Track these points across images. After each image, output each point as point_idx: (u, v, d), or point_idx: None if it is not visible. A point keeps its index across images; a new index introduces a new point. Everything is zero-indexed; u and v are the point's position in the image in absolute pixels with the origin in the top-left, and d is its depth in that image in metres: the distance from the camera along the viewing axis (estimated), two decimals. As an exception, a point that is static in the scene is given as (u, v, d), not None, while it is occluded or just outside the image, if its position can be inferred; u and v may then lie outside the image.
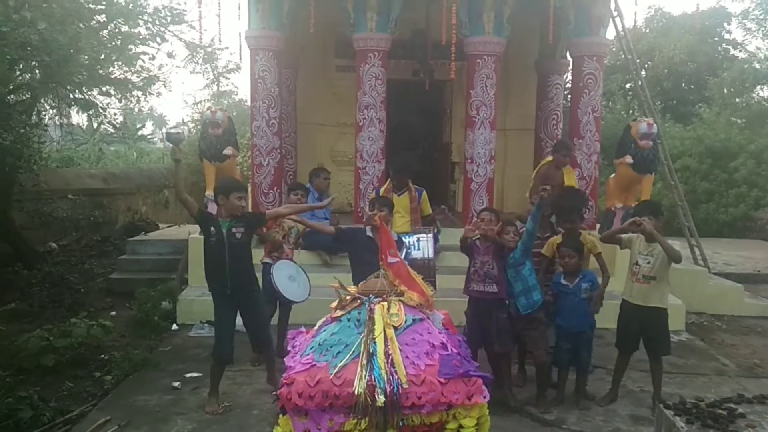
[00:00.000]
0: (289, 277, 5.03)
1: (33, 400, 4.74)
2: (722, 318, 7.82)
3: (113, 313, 7.38)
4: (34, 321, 6.80)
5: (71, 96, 9.93)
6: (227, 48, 23.06)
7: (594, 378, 5.32)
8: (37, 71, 8.99)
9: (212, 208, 7.78)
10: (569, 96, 10.54)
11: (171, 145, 4.74)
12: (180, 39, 12.23)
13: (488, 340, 4.92)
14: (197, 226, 9.70)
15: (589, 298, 5.01)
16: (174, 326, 6.84)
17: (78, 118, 15.48)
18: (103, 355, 5.88)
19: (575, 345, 4.96)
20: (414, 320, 3.18)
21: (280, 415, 2.98)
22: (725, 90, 18.79)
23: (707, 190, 14.96)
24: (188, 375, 5.45)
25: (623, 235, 5.05)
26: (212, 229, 4.66)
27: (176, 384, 5.25)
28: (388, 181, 6.43)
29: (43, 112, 10.58)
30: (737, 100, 18.71)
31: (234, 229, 4.68)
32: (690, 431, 3.31)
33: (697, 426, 3.37)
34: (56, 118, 11.33)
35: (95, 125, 16.29)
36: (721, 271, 9.62)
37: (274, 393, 3.32)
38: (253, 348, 5.06)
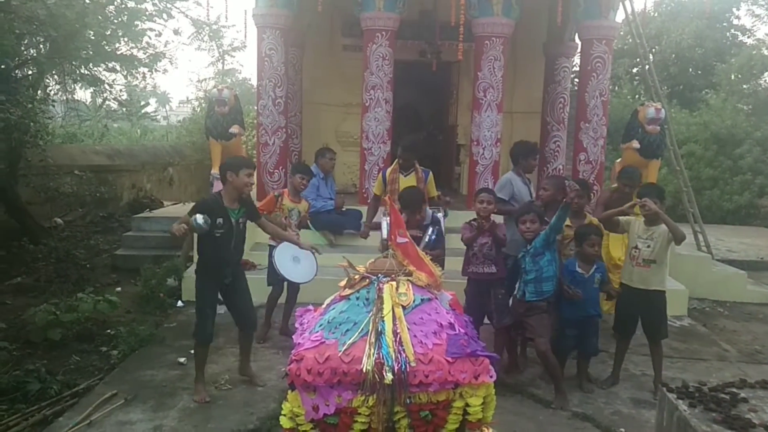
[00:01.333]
0: (293, 258, 5.01)
1: (40, 374, 4.80)
2: (724, 304, 7.84)
3: (119, 289, 7.42)
4: (40, 295, 6.85)
5: (77, 71, 9.89)
6: (233, 26, 22.96)
7: (596, 361, 5.35)
8: (42, 46, 8.96)
9: (218, 186, 7.86)
10: (576, 80, 10.51)
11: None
12: (186, 16, 12.23)
13: (489, 316, 5.03)
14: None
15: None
16: (179, 303, 6.87)
17: (82, 94, 15.44)
18: (109, 330, 5.91)
19: (583, 331, 4.96)
20: (422, 300, 3.20)
21: (289, 391, 3.01)
22: (732, 76, 18.67)
23: (712, 176, 14.92)
24: (193, 351, 5.49)
25: (621, 218, 5.05)
26: (220, 221, 4.45)
27: (182, 360, 5.30)
28: (395, 162, 6.42)
29: (48, 88, 10.55)
30: (744, 86, 18.59)
31: (240, 219, 4.64)
32: (693, 414, 3.33)
33: (700, 409, 3.39)
34: (60, 93, 11.29)
35: (99, 102, 16.24)
36: (724, 257, 9.63)
37: (283, 369, 3.35)
38: (240, 328, 4.98)
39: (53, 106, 11.15)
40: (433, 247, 5.06)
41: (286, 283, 5.70)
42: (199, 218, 4.28)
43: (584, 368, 5.10)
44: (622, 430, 4.37)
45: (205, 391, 4.64)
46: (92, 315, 5.93)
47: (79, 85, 11.69)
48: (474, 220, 5.09)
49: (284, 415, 3.03)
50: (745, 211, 14.53)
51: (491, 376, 2.99)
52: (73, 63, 9.49)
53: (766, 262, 10.17)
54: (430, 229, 5.15)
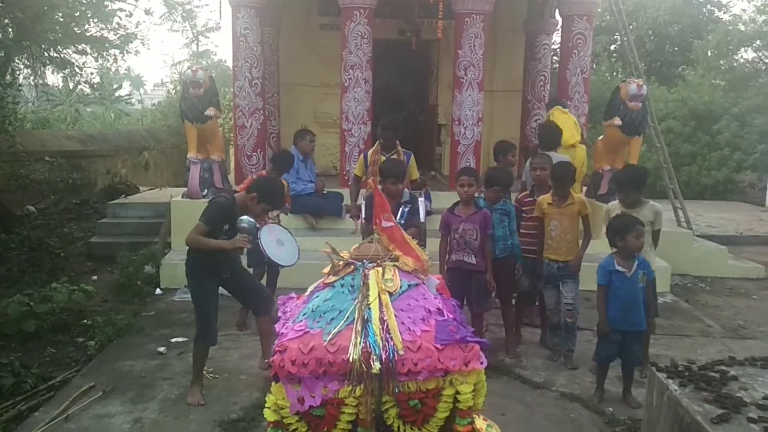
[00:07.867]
0: (278, 241, 4.89)
1: (14, 367, 4.67)
2: (706, 279, 7.88)
3: (95, 277, 7.26)
4: (14, 286, 6.66)
5: (46, 54, 9.60)
6: (207, 5, 22.44)
7: (582, 339, 5.31)
8: (10, 29, 8.65)
9: (194, 170, 7.67)
10: (556, 57, 10.42)
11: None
12: (158, -5, 11.87)
13: (468, 300, 4.98)
14: (177, 188, 9.57)
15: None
16: (158, 291, 6.74)
17: (53, 78, 15.05)
18: (85, 321, 5.78)
19: (626, 339, 4.36)
20: (409, 286, 3.10)
21: (273, 383, 2.91)
22: (709, 52, 18.69)
23: (690, 152, 15.02)
24: (173, 340, 5.38)
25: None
26: (226, 227, 4.34)
27: (161, 349, 5.18)
28: (376, 144, 6.29)
29: (18, 72, 10.23)
30: (721, 62, 18.64)
31: None
32: (683, 394, 3.30)
33: (690, 389, 3.35)
34: (31, 78, 10.98)
35: (71, 85, 15.82)
36: (704, 233, 9.70)
37: (267, 361, 3.24)
38: (254, 314, 4.82)
39: (20, 90, 10.83)
40: (405, 226, 4.96)
41: (266, 266, 5.59)
42: (244, 221, 4.32)
43: (627, 380, 4.52)
44: (611, 409, 4.34)
45: (201, 393, 4.37)
46: (67, 305, 5.78)
47: (50, 68, 11.37)
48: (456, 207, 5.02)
49: (268, 407, 2.93)
50: (723, 186, 14.67)
51: (482, 363, 2.90)
52: (42, 46, 9.21)
53: (745, 236, 10.26)
54: (401, 208, 5.06)
